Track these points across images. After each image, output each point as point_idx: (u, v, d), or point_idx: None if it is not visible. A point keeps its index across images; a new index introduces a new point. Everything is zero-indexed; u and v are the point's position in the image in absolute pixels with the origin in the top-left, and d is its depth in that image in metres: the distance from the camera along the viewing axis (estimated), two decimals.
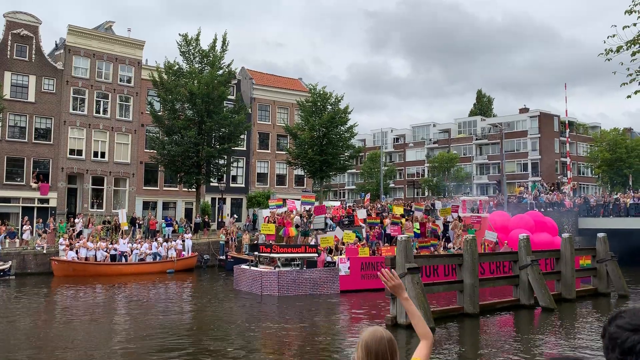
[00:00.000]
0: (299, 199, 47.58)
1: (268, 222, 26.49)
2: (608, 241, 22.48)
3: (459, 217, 26.77)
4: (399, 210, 27.90)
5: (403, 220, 26.49)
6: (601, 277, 21.84)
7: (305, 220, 28.55)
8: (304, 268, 21.50)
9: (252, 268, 22.22)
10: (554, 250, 22.02)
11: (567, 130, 57.36)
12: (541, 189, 42.97)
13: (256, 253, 23.04)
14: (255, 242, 28.23)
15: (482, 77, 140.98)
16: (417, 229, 25.34)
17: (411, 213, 28.80)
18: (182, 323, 16.24)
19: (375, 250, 24.37)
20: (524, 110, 70.43)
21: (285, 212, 26.77)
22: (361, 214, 30.38)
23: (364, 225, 28.73)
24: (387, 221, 26.71)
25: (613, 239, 24.96)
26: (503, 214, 29.61)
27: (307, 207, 30.27)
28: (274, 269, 21.28)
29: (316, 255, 22.16)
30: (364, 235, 27.15)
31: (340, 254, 22.88)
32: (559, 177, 59.98)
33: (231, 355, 12.21)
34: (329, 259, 22.48)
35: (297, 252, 21.98)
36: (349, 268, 21.87)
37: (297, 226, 26.63)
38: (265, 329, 15.38)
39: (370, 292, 21.24)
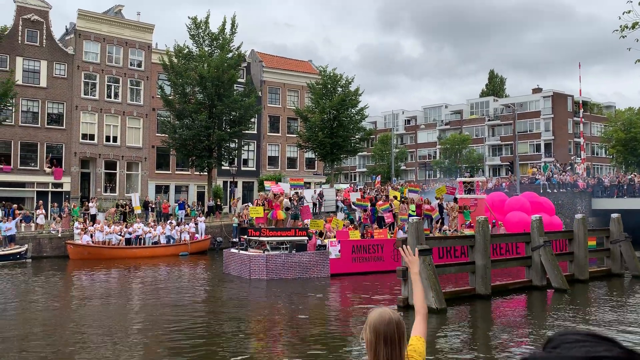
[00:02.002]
0: (309, 182, 47.75)
1: (257, 205, 25.62)
2: (622, 222, 22.29)
3: (454, 198, 26.41)
4: (394, 193, 27.22)
5: (396, 201, 25.88)
6: (615, 258, 21.70)
7: (295, 204, 28.13)
8: (294, 252, 21.07)
9: (241, 252, 21.82)
10: (567, 231, 21.87)
11: (581, 111, 56.68)
12: (554, 169, 42.62)
13: (245, 237, 22.61)
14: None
15: (495, 56, 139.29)
16: (413, 211, 24.88)
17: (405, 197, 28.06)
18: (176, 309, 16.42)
19: (364, 233, 23.81)
20: (537, 90, 69.56)
21: (275, 195, 25.97)
22: (353, 196, 30.02)
23: (355, 208, 28.38)
24: (379, 203, 25.96)
25: (627, 220, 24.76)
26: (500, 195, 29.46)
27: (297, 190, 29.83)
28: (263, 252, 20.98)
29: (306, 238, 21.76)
30: (357, 218, 26.66)
31: (332, 237, 22.44)
32: (572, 158, 59.41)
33: (233, 339, 12.34)
34: (319, 242, 22.06)
35: (287, 236, 21.49)
36: (339, 251, 21.47)
37: (287, 209, 26.02)
38: (264, 312, 15.51)
39: (361, 275, 20.88)
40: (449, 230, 24.37)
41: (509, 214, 26.45)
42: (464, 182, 27.93)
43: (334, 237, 22.44)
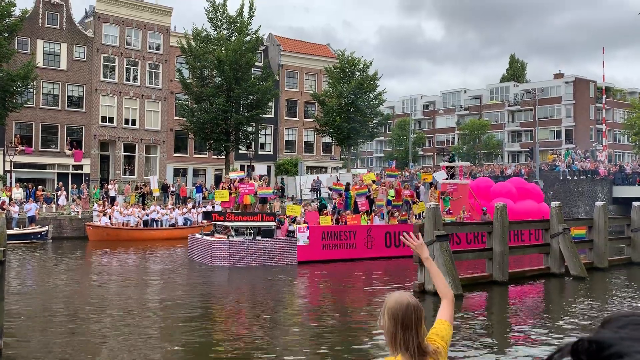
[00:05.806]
0: (326, 167, 47.72)
1: (222, 189, 23.67)
2: None
3: (431, 183, 25.61)
4: (368, 178, 25.92)
5: (374, 185, 24.87)
6: (635, 247, 21.39)
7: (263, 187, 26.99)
8: (258, 238, 19.93)
9: (204, 237, 20.73)
10: (587, 218, 21.57)
11: (604, 97, 55.59)
12: (575, 156, 42.00)
13: (210, 221, 21.55)
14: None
15: (519, 40, 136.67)
16: (392, 196, 23.94)
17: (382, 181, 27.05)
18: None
19: (339, 218, 22.48)
20: (559, 75, 68.36)
21: (242, 178, 24.56)
22: (327, 181, 29.22)
23: (331, 192, 27.41)
24: (355, 188, 23.99)
25: None
26: (486, 181, 29.15)
27: (264, 174, 29.13)
28: (227, 238, 19.90)
29: (274, 224, 20.67)
30: (332, 204, 25.67)
31: (302, 223, 21.23)
32: (593, 145, 58.43)
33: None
34: (292, 228, 21.02)
35: (253, 221, 20.28)
36: (308, 237, 20.27)
37: (255, 193, 24.69)
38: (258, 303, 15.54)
39: (331, 263, 19.94)
40: None
41: (494, 201, 25.98)
42: (446, 167, 27.20)
43: (304, 222, 21.27)
